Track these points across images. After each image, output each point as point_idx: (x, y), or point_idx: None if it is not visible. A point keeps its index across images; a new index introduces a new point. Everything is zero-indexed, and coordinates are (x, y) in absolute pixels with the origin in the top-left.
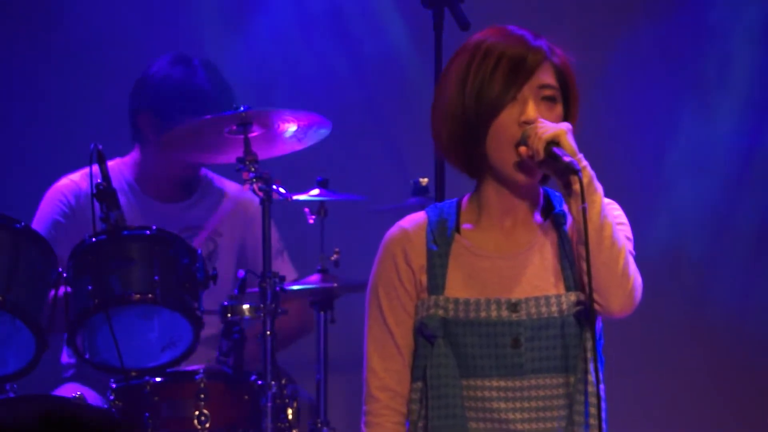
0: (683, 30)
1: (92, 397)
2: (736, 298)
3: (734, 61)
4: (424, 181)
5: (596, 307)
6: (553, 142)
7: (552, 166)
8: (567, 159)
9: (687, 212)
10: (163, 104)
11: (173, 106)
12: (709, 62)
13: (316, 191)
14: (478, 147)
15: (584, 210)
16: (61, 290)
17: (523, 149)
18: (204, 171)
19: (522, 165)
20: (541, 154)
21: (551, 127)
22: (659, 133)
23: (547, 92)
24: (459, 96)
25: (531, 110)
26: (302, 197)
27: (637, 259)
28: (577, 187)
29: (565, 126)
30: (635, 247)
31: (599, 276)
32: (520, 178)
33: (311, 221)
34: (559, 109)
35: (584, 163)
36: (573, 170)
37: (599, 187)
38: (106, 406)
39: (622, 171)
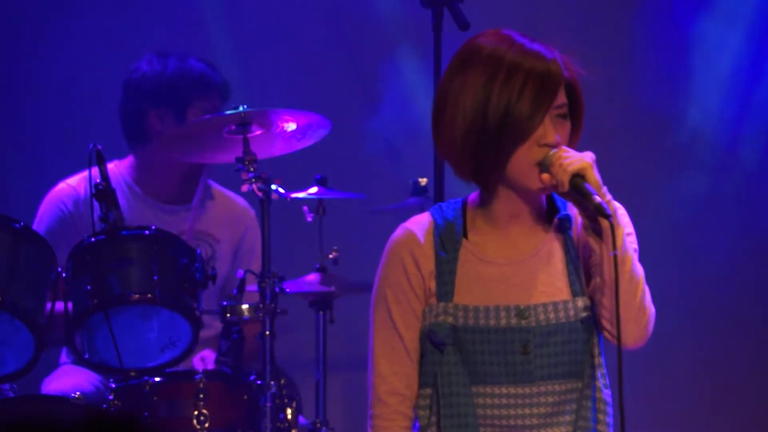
0: (684, 28)
1: (90, 381)
2: (745, 302)
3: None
4: (423, 181)
5: (609, 336)
6: (579, 176)
7: (575, 198)
8: (598, 200)
9: (681, 211)
10: (174, 93)
11: (186, 91)
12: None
13: (314, 189)
14: (499, 165)
15: (615, 258)
16: (58, 305)
17: (546, 177)
18: (206, 179)
19: (542, 189)
20: (566, 187)
21: (577, 158)
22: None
23: (561, 111)
24: (479, 114)
25: (551, 133)
26: (301, 195)
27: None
28: (606, 229)
29: (590, 158)
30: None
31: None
32: (539, 195)
33: (310, 219)
34: (569, 124)
35: (608, 197)
36: (604, 214)
37: (620, 219)
38: (106, 392)
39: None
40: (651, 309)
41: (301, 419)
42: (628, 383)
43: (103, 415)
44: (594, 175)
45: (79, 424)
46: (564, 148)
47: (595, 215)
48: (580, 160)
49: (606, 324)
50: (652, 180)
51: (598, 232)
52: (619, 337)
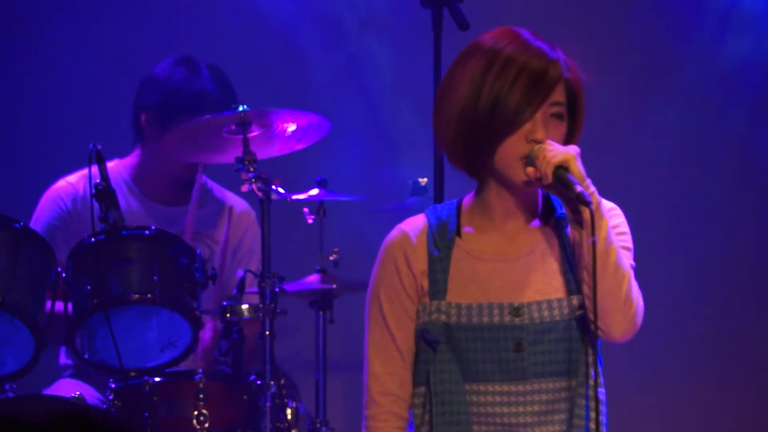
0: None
1: (90, 395)
2: (740, 301)
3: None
4: (423, 181)
5: (593, 327)
6: (562, 167)
7: (559, 190)
8: (578, 189)
9: (673, 213)
10: (165, 103)
11: (175, 104)
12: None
13: (315, 191)
14: (486, 154)
15: (594, 244)
16: (58, 305)
17: (530, 170)
18: (205, 180)
19: (528, 183)
20: (550, 178)
21: (560, 150)
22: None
23: (556, 109)
24: (472, 101)
25: (541, 130)
26: (301, 197)
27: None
28: (587, 217)
29: (574, 150)
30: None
31: (602, 302)
32: (524, 189)
33: (310, 221)
34: (564, 127)
35: (592, 189)
36: (584, 201)
37: (605, 212)
38: (104, 404)
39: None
40: (639, 302)
41: (301, 406)
42: (632, 382)
43: (75, 413)
44: (577, 167)
45: (49, 421)
46: (548, 141)
47: (578, 205)
48: (563, 152)
49: (590, 315)
50: (652, 178)
51: (582, 224)
52: (595, 322)
